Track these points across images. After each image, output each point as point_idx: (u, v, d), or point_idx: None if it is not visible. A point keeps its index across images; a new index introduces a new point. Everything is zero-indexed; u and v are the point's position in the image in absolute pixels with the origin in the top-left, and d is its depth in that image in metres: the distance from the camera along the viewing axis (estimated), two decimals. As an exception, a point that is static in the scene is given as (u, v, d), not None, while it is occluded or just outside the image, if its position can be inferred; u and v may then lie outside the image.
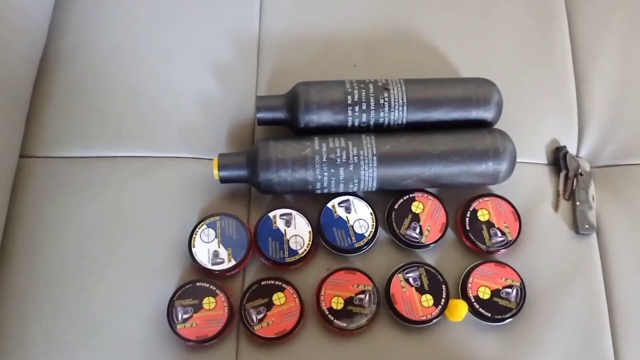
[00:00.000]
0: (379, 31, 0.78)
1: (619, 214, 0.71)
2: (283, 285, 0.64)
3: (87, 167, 0.70)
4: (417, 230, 0.67)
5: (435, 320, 0.64)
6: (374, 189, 0.67)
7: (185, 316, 0.63)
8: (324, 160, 0.65)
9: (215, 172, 0.66)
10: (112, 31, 0.76)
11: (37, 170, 0.70)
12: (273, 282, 0.65)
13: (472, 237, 0.67)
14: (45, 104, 0.72)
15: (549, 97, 0.76)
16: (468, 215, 0.68)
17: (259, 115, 0.69)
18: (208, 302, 0.63)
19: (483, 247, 0.67)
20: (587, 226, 0.69)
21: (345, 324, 0.63)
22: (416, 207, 0.68)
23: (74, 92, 0.73)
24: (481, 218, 0.68)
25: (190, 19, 0.77)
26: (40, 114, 0.72)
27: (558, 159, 0.72)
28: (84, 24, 0.76)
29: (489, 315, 0.64)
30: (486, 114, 0.68)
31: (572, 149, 0.74)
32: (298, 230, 0.67)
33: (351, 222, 0.67)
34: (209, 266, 0.65)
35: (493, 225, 0.68)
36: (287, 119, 0.69)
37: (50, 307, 0.64)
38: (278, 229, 0.67)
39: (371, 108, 0.67)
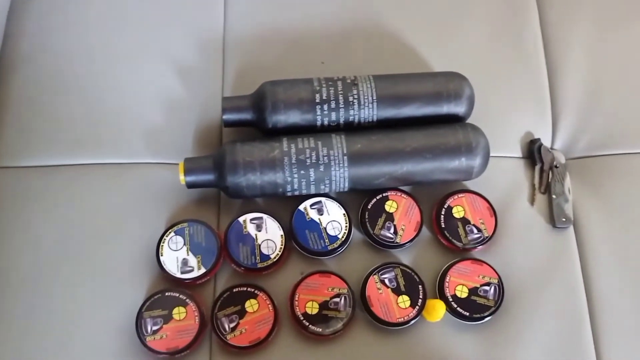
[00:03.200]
0: (347, 26, 0.76)
1: (595, 206, 0.70)
2: (256, 291, 0.62)
3: (49, 176, 0.67)
4: (392, 230, 0.66)
5: (412, 322, 0.63)
6: (346, 190, 0.65)
7: (154, 328, 0.61)
8: (294, 161, 0.63)
9: (182, 177, 0.64)
10: (70, 35, 0.73)
11: (-4, 181, 0.67)
12: (245, 288, 0.63)
13: (448, 235, 0.66)
14: (1, 111, 0.69)
15: (521, 90, 0.75)
16: (443, 212, 0.67)
17: (225, 116, 0.67)
18: (178, 312, 0.61)
19: (459, 244, 0.66)
20: (564, 219, 0.68)
21: (320, 329, 0.62)
22: (390, 207, 0.66)
23: (32, 98, 0.70)
24: (456, 215, 0.67)
25: (153, 19, 0.75)
26: (-3, 123, 0.69)
27: (532, 152, 0.71)
28: (41, 28, 0.74)
29: (468, 314, 0.63)
30: (458, 109, 0.67)
31: (546, 141, 0.73)
32: (269, 235, 0.65)
33: (324, 224, 0.65)
34: (178, 275, 0.63)
35: (469, 222, 0.67)
36: (254, 119, 0.67)
37: (14, 322, 0.62)
38: (249, 234, 0.65)
39: (340, 106, 0.65)
